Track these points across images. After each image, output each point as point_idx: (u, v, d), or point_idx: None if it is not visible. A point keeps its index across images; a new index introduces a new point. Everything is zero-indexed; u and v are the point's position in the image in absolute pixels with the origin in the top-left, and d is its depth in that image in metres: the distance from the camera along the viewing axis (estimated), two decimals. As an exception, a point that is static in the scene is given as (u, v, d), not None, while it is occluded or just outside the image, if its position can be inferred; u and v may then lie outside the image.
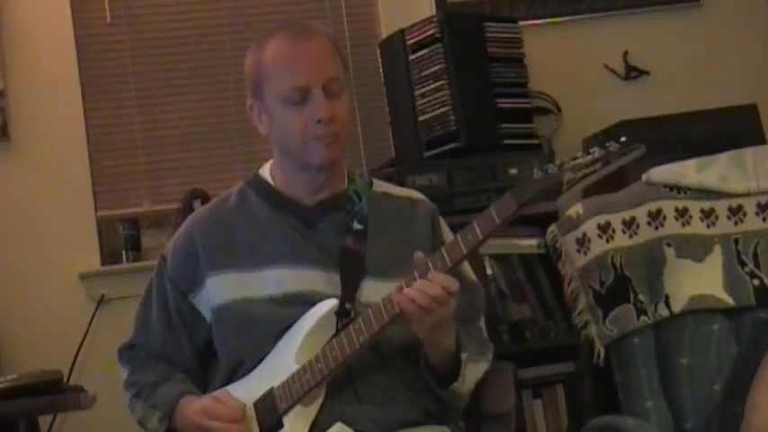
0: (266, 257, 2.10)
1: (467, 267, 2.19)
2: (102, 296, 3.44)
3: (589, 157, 1.87)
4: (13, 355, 3.35)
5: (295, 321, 2.04)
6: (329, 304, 2.03)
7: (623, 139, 1.89)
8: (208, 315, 2.13)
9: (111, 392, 3.02)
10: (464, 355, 2.04)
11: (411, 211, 2.20)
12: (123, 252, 3.52)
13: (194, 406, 2.06)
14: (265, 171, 2.22)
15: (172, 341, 2.17)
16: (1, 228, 3.44)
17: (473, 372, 2.09)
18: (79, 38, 3.55)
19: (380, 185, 2.26)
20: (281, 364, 2.03)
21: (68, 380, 3.14)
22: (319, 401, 2.00)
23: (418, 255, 1.95)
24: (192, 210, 3.37)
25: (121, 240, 3.52)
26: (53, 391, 2.64)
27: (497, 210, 1.90)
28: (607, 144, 1.88)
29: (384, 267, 2.09)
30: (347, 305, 2.04)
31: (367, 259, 2.09)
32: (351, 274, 2.07)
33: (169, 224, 3.57)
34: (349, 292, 2.06)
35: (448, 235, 2.22)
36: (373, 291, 2.05)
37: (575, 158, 1.88)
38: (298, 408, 2.00)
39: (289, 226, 2.13)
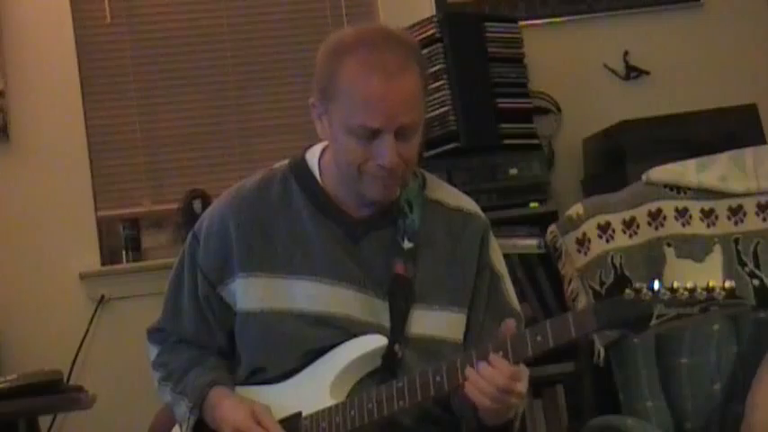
0: (303, 267, 1.97)
1: (511, 294, 2.10)
2: (102, 296, 3.44)
3: (689, 296, 1.69)
4: (13, 355, 3.35)
5: (324, 345, 1.95)
6: (377, 343, 1.92)
7: (729, 285, 1.70)
8: (235, 308, 2.02)
9: (111, 392, 3.05)
10: (517, 423, 1.93)
11: (462, 226, 2.04)
12: (123, 252, 3.51)
13: (231, 411, 1.95)
14: (314, 157, 2.04)
15: (203, 328, 2.07)
16: (1, 228, 3.44)
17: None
18: (79, 38, 3.54)
19: (434, 189, 2.09)
20: (314, 391, 1.94)
21: (68, 380, 3.14)
22: None
23: (509, 323, 1.82)
24: (191, 210, 3.39)
25: (121, 240, 3.52)
26: (53, 391, 2.64)
27: (576, 323, 1.74)
28: (714, 291, 1.69)
29: (431, 293, 1.98)
30: (396, 347, 1.92)
31: (415, 284, 1.96)
32: (400, 306, 1.95)
33: (169, 224, 3.57)
34: (397, 327, 1.94)
35: (496, 255, 2.08)
36: (421, 321, 1.96)
37: (673, 290, 1.69)
38: None
39: (332, 236, 1.98)
